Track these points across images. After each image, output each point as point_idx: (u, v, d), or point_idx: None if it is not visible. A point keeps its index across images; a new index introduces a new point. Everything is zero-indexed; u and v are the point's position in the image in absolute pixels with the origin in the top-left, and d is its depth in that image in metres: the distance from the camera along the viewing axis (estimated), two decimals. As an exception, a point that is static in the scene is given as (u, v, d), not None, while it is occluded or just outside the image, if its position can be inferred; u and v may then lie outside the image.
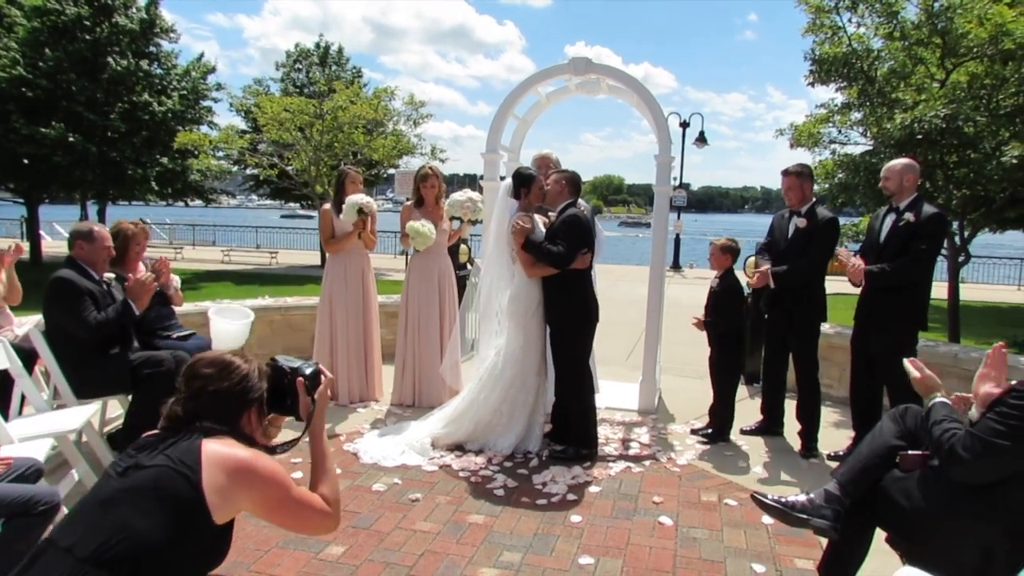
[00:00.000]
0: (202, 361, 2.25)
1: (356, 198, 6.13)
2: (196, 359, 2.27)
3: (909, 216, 4.95)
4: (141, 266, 5.37)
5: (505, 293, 5.35)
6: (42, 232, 25.75)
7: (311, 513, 2.25)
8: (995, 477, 2.59)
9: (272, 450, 2.33)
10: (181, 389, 2.22)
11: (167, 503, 1.97)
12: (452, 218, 6.44)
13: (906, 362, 3.17)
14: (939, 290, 5.70)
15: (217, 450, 2.07)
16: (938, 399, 2.94)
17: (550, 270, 5.11)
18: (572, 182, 5.33)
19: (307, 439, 2.46)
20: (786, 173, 5.49)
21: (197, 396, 2.19)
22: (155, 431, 2.21)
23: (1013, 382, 2.68)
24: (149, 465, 2.03)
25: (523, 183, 5.29)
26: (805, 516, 3.02)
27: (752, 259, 6.49)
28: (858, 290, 5.26)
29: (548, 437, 5.45)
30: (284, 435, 2.47)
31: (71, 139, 19.24)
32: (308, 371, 2.44)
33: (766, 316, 5.77)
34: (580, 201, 5.80)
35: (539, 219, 5.30)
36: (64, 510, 3.80)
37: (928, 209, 4.97)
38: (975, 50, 8.40)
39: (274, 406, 2.39)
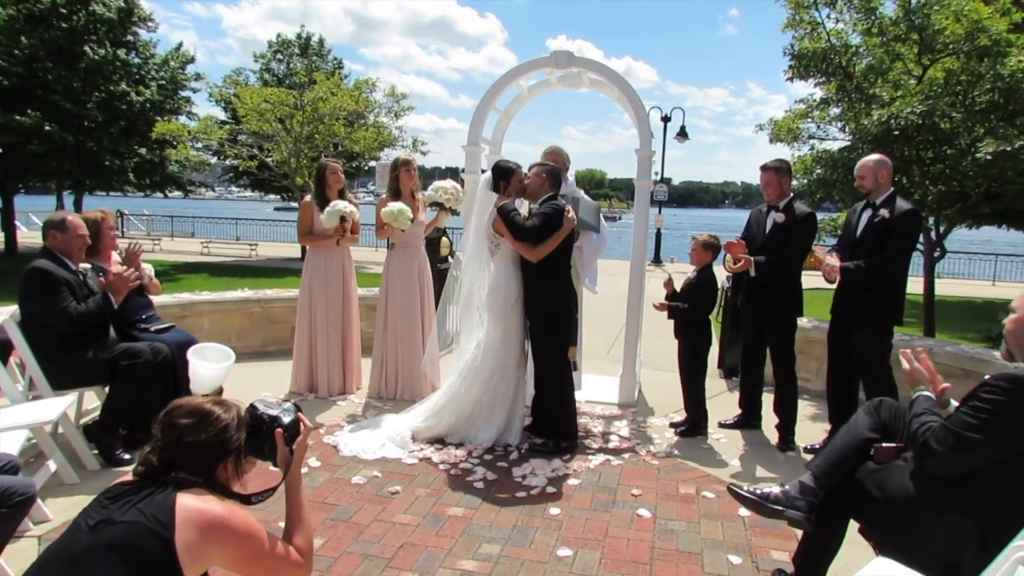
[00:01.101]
0: (180, 410, 2.19)
1: (340, 205, 6.06)
2: (174, 406, 2.21)
3: (884, 212, 4.98)
4: (115, 255, 5.31)
5: (485, 287, 5.35)
6: (17, 223, 25.40)
7: (283, 564, 2.24)
8: (968, 469, 2.63)
9: (247, 499, 2.28)
10: (157, 437, 2.16)
11: (138, 563, 1.93)
12: (432, 204, 6.43)
13: (900, 353, 3.21)
14: (915, 285, 5.78)
15: (192, 505, 2.03)
16: (922, 392, 2.97)
17: (545, 249, 5.07)
18: (553, 175, 5.32)
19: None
20: (764, 168, 5.53)
21: (173, 446, 2.13)
22: (128, 479, 2.15)
23: (986, 376, 2.72)
24: (121, 521, 1.97)
25: (502, 176, 5.28)
26: (780, 508, 3.05)
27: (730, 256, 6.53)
28: (834, 285, 5.31)
29: (528, 430, 5.46)
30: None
31: (47, 128, 18.98)
32: (287, 420, 2.41)
33: (743, 311, 5.81)
34: (586, 198, 5.83)
35: (523, 211, 5.31)
36: (40, 502, 3.80)
37: (903, 205, 5.00)
38: (951, 46, 8.50)
39: (251, 451, 2.34)
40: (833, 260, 5.12)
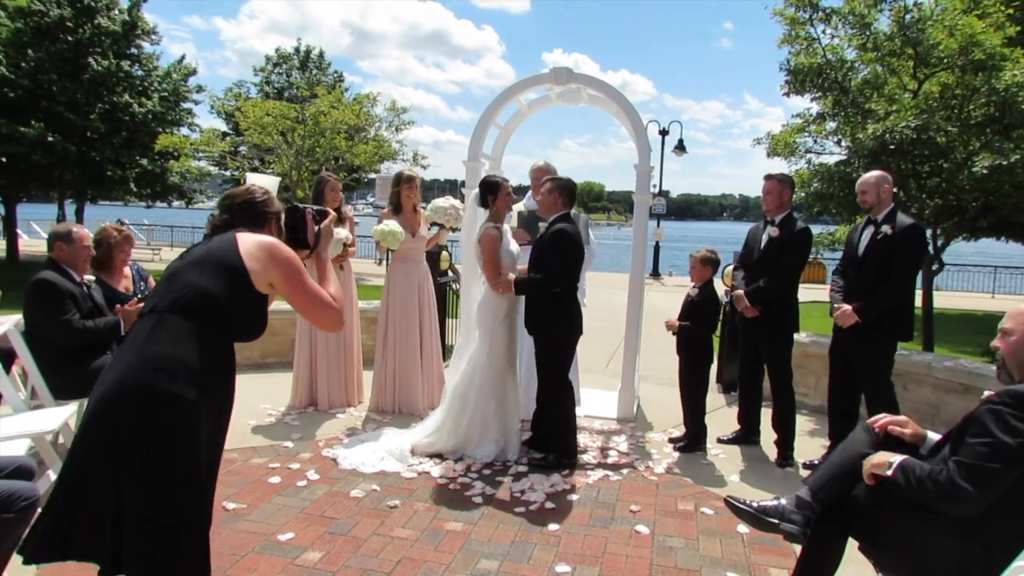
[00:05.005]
0: (232, 190, 2.93)
1: (341, 235, 6.05)
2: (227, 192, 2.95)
3: (887, 228, 4.96)
4: (127, 270, 5.36)
5: (476, 301, 5.36)
6: (19, 231, 25.45)
7: (320, 301, 2.76)
8: (994, 499, 2.52)
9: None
10: (218, 211, 2.87)
11: (219, 266, 2.54)
12: (432, 223, 6.46)
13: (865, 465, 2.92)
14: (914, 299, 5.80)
15: (247, 234, 2.68)
16: (897, 460, 2.78)
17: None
18: (566, 191, 5.19)
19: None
20: (769, 177, 5.53)
21: (231, 207, 2.82)
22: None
23: (985, 394, 2.70)
24: (196, 252, 2.65)
25: (490, 191, 5.23)
26: (776, 521, 3.05)
27: (730, 268, 6.54)
28: (827, 291, 5.28)
29: (528, 445, 5.46)
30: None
31: (51, 139, 19.03)
32: (315, 208, 3.08)
33: (740, 326, 5.81)
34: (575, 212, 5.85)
35: (507, 228, 5.32)
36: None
37: (904, 220, 5.00)
38: (946, 61, 8.54)
39: (288, 230, 2.95)
40: (847, 309, 5.02)
